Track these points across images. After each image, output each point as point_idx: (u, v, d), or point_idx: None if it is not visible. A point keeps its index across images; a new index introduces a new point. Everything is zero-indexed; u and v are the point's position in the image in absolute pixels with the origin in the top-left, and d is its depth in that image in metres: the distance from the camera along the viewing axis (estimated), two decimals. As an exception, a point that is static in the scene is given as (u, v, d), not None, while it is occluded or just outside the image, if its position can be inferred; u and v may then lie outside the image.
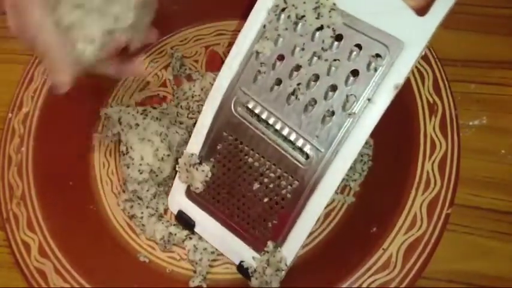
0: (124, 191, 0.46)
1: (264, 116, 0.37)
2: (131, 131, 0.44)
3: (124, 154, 0.44)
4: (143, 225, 0.44)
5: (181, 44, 0.54)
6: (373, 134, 0.45)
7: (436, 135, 0.42)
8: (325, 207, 0.44)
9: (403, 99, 0.44)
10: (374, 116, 0.35)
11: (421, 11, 0.34)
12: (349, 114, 0.35)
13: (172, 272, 0.43)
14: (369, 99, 0.34)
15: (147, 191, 0.45)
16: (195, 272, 0.42)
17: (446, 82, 0.44)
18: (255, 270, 0.40)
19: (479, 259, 0.41)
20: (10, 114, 0.48)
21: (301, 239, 0.38)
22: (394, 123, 0.44)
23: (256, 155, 0.38)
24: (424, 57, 0.45)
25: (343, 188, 0.45)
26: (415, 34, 0.34)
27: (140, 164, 0.43)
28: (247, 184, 0.39)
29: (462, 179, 0.41)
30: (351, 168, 0.44)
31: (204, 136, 0.40)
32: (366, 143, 0.45)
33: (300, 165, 0.37)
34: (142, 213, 0.45)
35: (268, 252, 0.39)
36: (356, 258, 0.39)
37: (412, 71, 0.44)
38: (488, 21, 0.51)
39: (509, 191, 0.43)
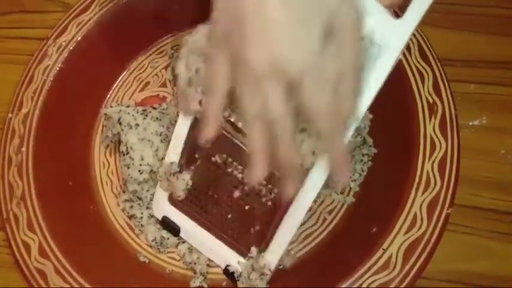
0: (124, 191, 0.46)
1: (240, 125, 0.37)
2: (131, 131, 0.44)
3: (124, 154, 0.44)
4: (142, 225, 0.44)
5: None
6: (373, 135, 0.46)
7: (436, 135, 0.42)
8: (325, 208, 0.44)
9: (403, 100, 0.44)
10: (353, 124, 0.35)
11: (398, 10, 0.34)
12: None
13: (172, 272, 0.43)
14: None
15: (147, 191, 0.45)
16: (195, 272, 0.42)
17: (446, 82, 0.44)
18: (240, 275, 0.40)
19: (479, 259, 0.41)
20: (10, 115, 0.48)
21: (284, 245, 0.39)
22: (394, 124, 0.44)
23: (234, 163, 0.38)
24: (424, 57, 0.45)
25: (343, 188, 0.45)
26: (393, 38, 0.34)
27: (140, 164, 0.43)
28: (228, 192, 0.39)
29: (462, 179, 0.41)
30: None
31: (182, 145, 0.40)
32: (366, 143, 0.45)
33: (278, 172, 0.36)
34: (142, 213, 0.44)
35: (252, 257, 0.40)
36: (356, 259, 0.39)
37: (412, 71, 0.44)
38: (488, 21, 0.51)
39: (509, 191, 0.43)
